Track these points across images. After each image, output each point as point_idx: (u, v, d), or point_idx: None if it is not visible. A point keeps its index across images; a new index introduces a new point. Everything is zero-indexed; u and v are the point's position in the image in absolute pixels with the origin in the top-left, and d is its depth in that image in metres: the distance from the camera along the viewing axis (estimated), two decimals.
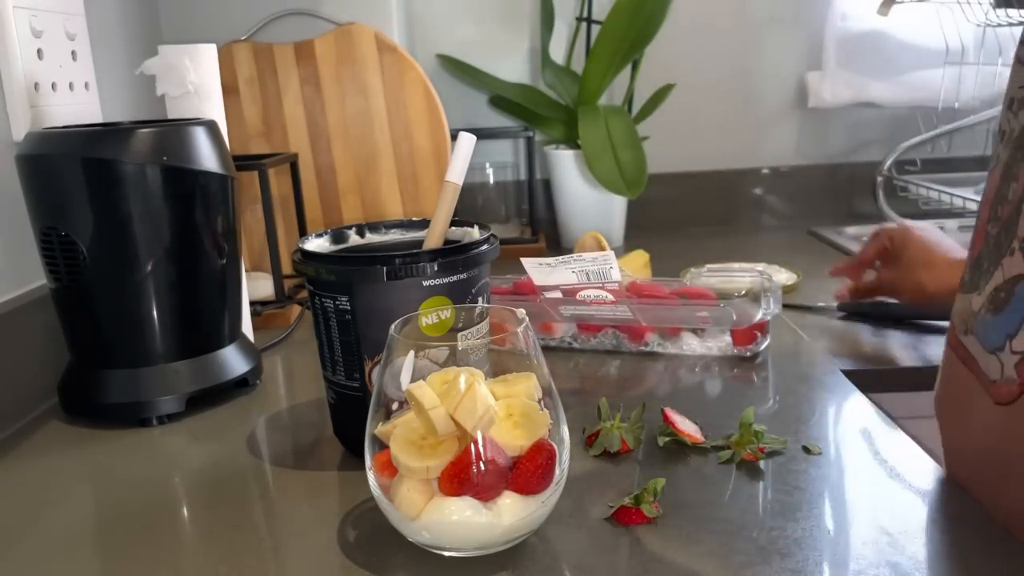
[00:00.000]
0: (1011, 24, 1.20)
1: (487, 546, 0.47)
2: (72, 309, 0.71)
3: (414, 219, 0.66)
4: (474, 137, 0.61)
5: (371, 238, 0.65)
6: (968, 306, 0.51)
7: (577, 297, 0.81)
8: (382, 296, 0.55)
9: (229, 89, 1.10)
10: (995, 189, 0.50)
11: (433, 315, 0.53)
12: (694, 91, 1.37)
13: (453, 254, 0.57)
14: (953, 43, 1.31)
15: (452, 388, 0.44)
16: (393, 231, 0.66)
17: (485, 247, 0.59)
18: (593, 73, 1.25)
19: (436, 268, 0.55)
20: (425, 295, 0.55)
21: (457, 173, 0.60)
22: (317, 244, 0.62)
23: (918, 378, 0.79)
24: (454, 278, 0.56)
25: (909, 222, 0.95)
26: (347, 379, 0.58)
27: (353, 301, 0.56)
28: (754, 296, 0.78)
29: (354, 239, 0.64)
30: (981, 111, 1.30)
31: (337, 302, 0.56)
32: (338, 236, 0.64)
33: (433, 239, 0.61)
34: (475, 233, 0.62)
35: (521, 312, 0.49)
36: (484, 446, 0.44)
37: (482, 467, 0.44)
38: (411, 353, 0.46)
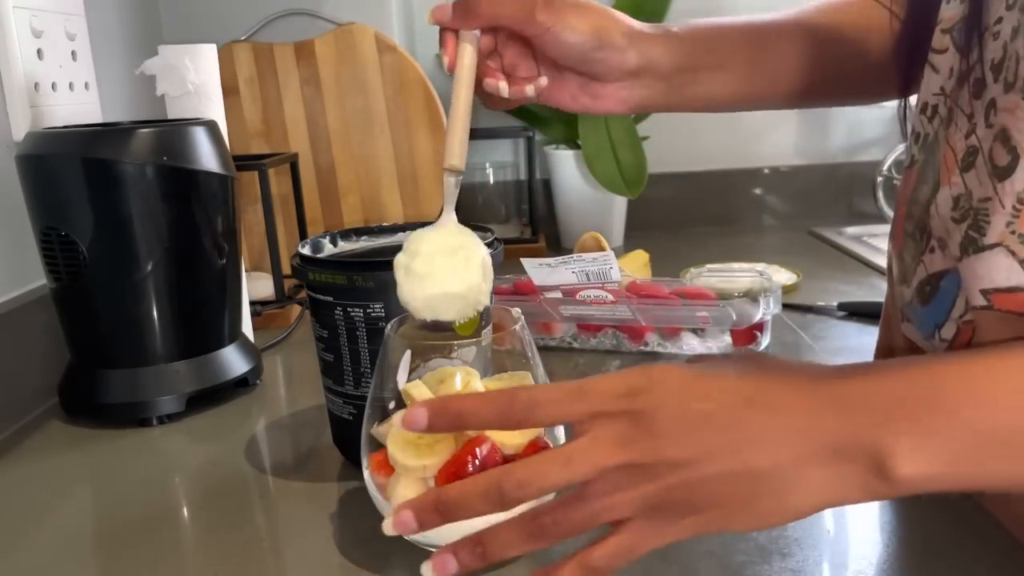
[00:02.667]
0: None
1: None
2: (72, 309, 0.71)
3: (384, 224, 0.65)
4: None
5: (343, 246, 0.63)
6: (902, 296, 0.52)
7: (577, 297, 0.81)
8: None
9: (229, 89, 1.11)
10: (911, 187, 0.51)
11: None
12: None
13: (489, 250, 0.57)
14: None
15: (448, 387, 0.44)
16: (363, 238, 0.64)
17: (497, 247, 0.59)
18: None
19: None
20: None
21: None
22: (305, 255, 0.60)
23: None
24: None
25: None
26: None
27: (388, 307, 0.54)
28: (754, 296, 0.78)
29: (328, 248, 0.63)
30: None
31: (369, 309, 0.55)
32: (315, 246, 0.62)
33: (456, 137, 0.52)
34: None
35: (517, 311, 0.49)
36: (480, 445, 0.44)
37: (478, 465, 0.44)
38: (408, 352, 0.46)
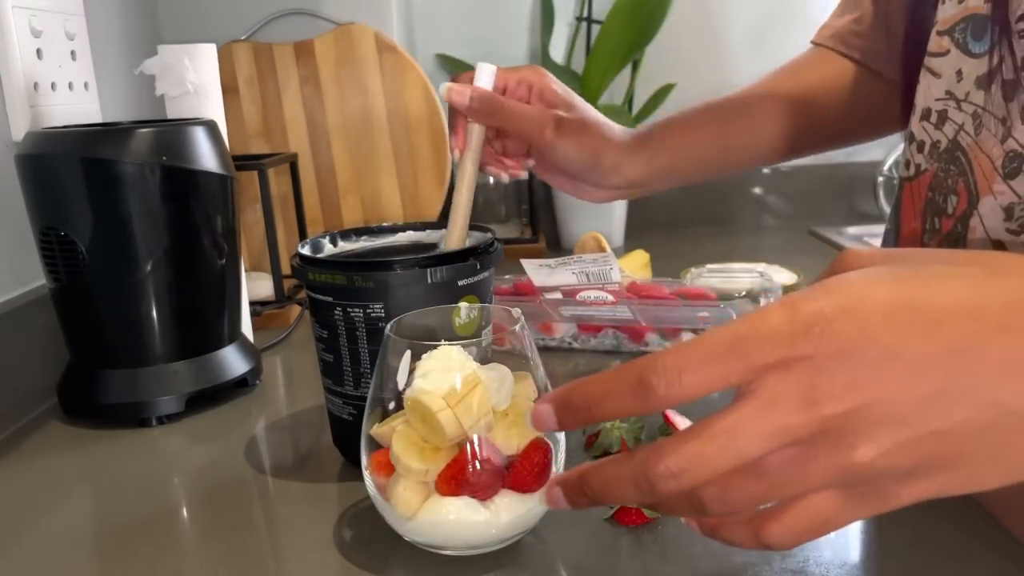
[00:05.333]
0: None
1: (484, 544, 0.47)
2: (72, 309, 0.71)
3: (384, 224, 0.65)
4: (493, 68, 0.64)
5: (343, 246, 0.63)
6: None
7: (577, 298, 0.81)
8: (420, 299, 0.53)
9: (229, 89, 1.10)
10: (923, 199, 0.49)
11: (465, 314, 0.53)
12: (694, 91, 1.37)
13: (483, 252, 0.57)
14: None
15: (455, 388, 0.44)
16: (363, 238, 0.64)
17: (497, 247, 0.59)
18: (593, 73, 1.25)
19: (478, 266, 0.55)
20: (459, 295, 0.55)
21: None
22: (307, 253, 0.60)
23: None
24: (479, 277, 0.56)
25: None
26: None
27: (388, 307, 0.54)
28: (754, 296, 0.78)
29: (328, 248, 0.62)
30: None
31: (369, 310, 0.54)
32: (315, 246, 0.62)
33: (460, 212, 0.61)
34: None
35: (517, 311, 0.49)
36: (480, 446, 0.44)
37: (478, 467, 0.44)
38: (408, 352, 0.46)
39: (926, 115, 0.50)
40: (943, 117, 0.48)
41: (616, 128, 0.68)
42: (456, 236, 0.61)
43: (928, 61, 0.50)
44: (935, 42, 0.49)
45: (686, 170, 0.70)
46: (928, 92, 0.50)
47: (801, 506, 0.29)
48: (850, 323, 0.27)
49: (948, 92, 0.47)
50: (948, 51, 0.47)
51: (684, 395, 0.29)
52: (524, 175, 0.70)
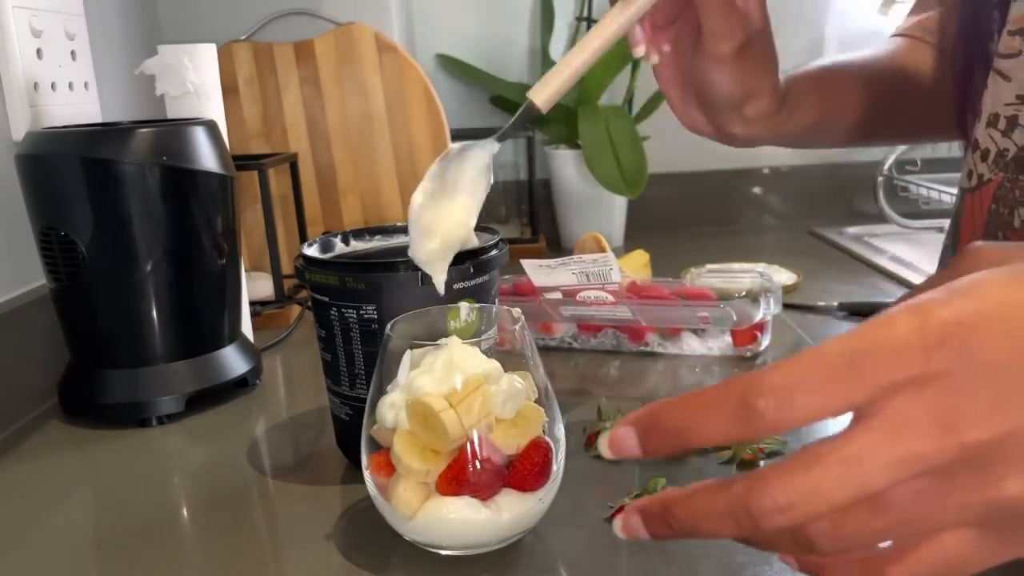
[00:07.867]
0: None
1: (485, 544, 0.47)
2: (72, 309, 0.71)
3: (397, 224, 0.65)
4: None
5: (356, 245, 0.63)
6: None
7: (577, 298, 0.81)
8: (412, 302, 0.53)
9: (229, 89, 1.10)
10: (987, 211, 0.46)
11: (464, 316, 0.52)
12: None
13: (481, 255, 0.56)
14: None
15: (457, 388, 0.44)
16: (376, 238, 0.64)
17: (503, 249, 0.58)
18: (593, 73, 1.25)
19: (471, 271, 0.54)
20: (454, 298, 0.54)
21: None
22: (311, 253, 0.60)
23: None
24: (478, 280, 0.55)
25: None
26: None
27: (381, 309, 0.54)
28: (754, 296, 0.78)
29: (340, 247, 0.62)
30: None
31: (362, 311, 0.54)
32: (326, 245, 0.62)
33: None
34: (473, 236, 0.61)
35: (517, 311, 0.49)
36: (480, 446, 0.44)
37: (479, 466, 0.44)
38: (408, 353, 0.46)
39: (993, 121, 0.46)
40: (1013, 123, 0.44)
41: (778, 76, 0.55)
42: (547, 91, 0.49)
43: (997, 63, 0.46)
44: (1006, 43, 0.45)
45: (789, 140, 0.62)
46: (996, 96, 0.46)
47: (930, 546, 0.26)
48: (995, 333, 0.23)
49: (1020, 96, 0.44)
50: (1021, 52, 0.44)
51: (795, 420, 0.25)
52: (653, 59, 0.54)
